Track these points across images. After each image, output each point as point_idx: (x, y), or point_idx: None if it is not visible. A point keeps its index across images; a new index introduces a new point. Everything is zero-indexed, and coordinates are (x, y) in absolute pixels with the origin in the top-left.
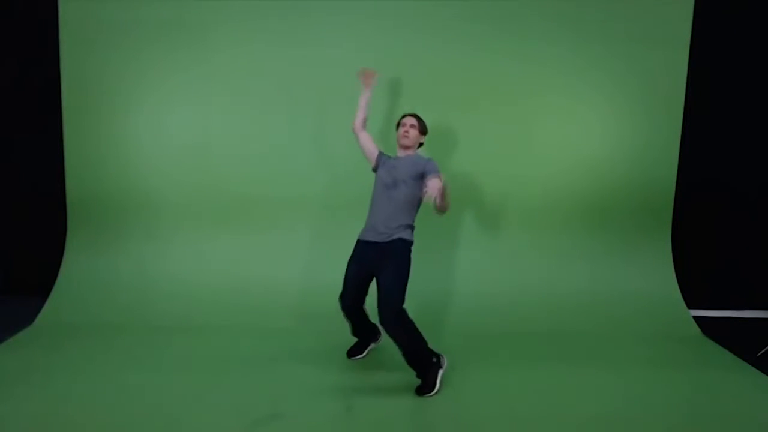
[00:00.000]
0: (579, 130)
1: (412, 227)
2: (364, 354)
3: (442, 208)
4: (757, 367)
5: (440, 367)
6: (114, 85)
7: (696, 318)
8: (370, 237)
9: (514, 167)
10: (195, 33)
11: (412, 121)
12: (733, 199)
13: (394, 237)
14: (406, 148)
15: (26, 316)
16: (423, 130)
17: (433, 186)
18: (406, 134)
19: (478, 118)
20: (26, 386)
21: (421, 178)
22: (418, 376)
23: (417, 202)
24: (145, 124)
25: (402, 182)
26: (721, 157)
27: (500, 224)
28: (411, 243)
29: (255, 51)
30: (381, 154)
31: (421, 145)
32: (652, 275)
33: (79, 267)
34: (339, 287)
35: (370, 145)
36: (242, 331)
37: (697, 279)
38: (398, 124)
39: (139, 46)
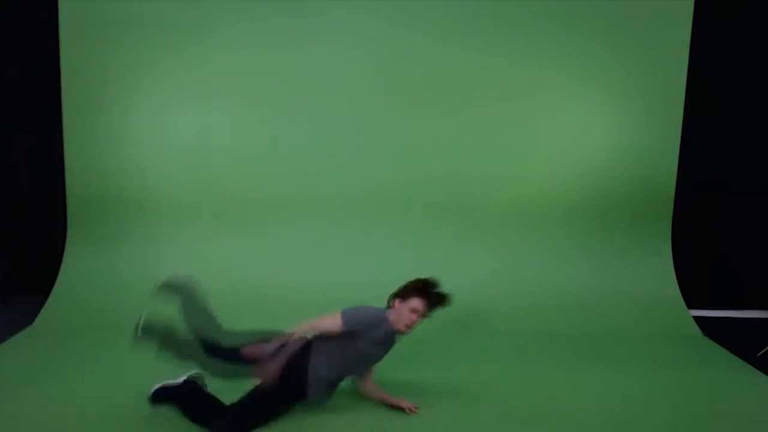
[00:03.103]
0: (579, 129)
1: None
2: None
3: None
4: (757, 367)
5: None
6: (114, 85)
7: (696, 318)
8: None
9: (513, 167)
10: (195, 33)
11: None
12: (733, 199)
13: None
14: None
15: (26, 316)
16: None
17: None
18: (411, 325)
19: (478, 118)
20: (26, 386)
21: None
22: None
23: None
24: (145, 124)
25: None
26: (721, 156)
27: (500, 224)
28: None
29: (255, 51)
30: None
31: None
32: (652, 275)
33: (79, 267)
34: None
35: (328, 323)
36: None
37: (697, 279)
38: (402, 299)
39: (139, 46)
